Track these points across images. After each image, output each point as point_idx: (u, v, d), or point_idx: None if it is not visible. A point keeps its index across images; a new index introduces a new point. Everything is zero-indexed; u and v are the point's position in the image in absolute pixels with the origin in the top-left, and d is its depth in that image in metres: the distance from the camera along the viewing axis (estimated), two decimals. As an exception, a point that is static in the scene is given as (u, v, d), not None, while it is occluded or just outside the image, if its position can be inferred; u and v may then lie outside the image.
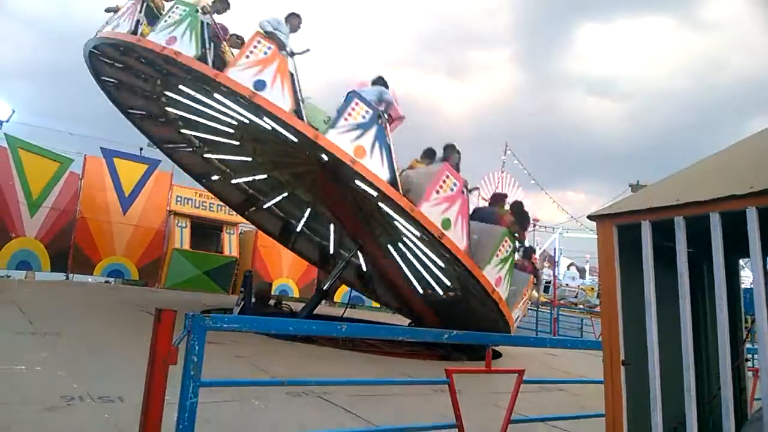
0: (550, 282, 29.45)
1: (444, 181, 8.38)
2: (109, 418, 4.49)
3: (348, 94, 8.42)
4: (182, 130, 11.96)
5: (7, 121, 14.72)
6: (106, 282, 16.73)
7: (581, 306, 31.53)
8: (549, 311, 19.21)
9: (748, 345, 3.88)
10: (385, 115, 8.50)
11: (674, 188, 2.57)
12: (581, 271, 46.12)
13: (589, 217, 2.76)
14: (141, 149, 18.71)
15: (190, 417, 2.30)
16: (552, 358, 10.67)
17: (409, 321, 11.56)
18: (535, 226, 55.48)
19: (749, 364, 4.42)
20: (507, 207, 10.16)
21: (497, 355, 10.26)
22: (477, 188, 13.95)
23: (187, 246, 16.39)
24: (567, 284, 39.89)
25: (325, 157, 8.57)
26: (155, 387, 2.25)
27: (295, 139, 8.66)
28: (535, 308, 19.75)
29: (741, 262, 4.11)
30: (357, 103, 8.24)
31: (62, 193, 14.91)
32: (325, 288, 11.30)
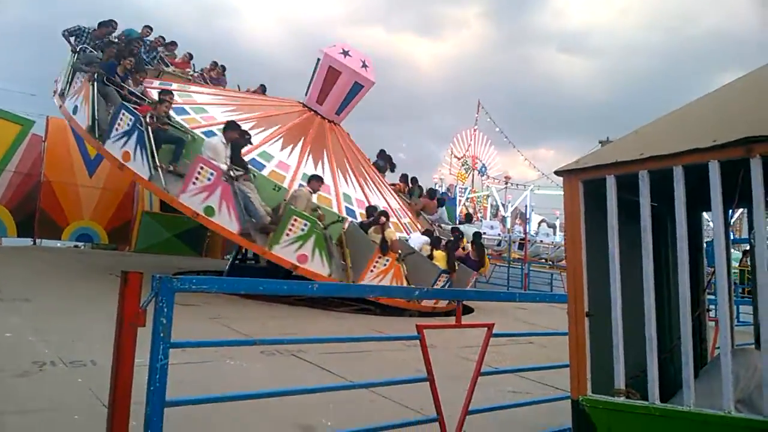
0: (523, 239, 29.82)
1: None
2: (82, 382, 4.48)
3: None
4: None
5: (-37, 82, 14.13)
6: (76, 246, 16.45)
7: (551, 261, 32.05)
8: (520, 267, 19.53)
9: (710, 296, 3.99)
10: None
11: (639, 142, 2.59)
12: (553, 228, 46.82)
13: (556, 173, 2.77)
14: (106, 110, 18.15)
15: (161, 378, 2.29)
16: (522, 312, 10.90)
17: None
18: (506, 183, 56.01)
19: (711, 314, 4.55)
20: None
21: (469, 310, 10.45)
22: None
23: (157, 209, 16.13)
24: (541, 240, 40.47)
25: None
26: (124, 350, 2.24)
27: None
28: (507, 264, 20.08)
29: (705, 215, 4.20)
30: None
31: (25, 156, 14.49)
32: None
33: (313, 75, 13.59)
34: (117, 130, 9.39)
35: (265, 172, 10.77)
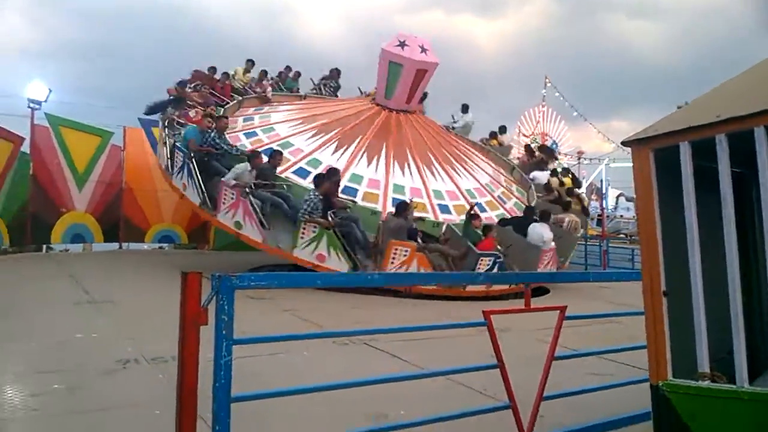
0: (600, 215, 28.86)
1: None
2: (162, 378, 4.64)
3: None
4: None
5: (46, 100, 14.99)
6: (160, 248, 17.19)
7: (630, 237, 30.81)
8: (598, 244, 18.85)
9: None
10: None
11: (715, 103, 2.37)
12: (632, 201, 45.10)
13: (623, 143, 2.58)
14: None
15: (226, 375, 2.32)
16: (605, 291, 10.49)
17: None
18: (580, 158, 54.19)
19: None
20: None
21: (545, 291, 10.16)
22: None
23: (231, 208, 16.58)
24: (621, 215, 38.91)
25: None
26: (188, 349, 2.27)
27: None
28: (584, 242, 19.38)
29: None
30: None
31: (106, 166, 15.27)
32: None
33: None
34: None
35: (359, 197, 11.06)
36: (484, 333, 3.31)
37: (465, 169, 13.29)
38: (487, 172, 13.82)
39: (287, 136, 12.60)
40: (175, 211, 16.16)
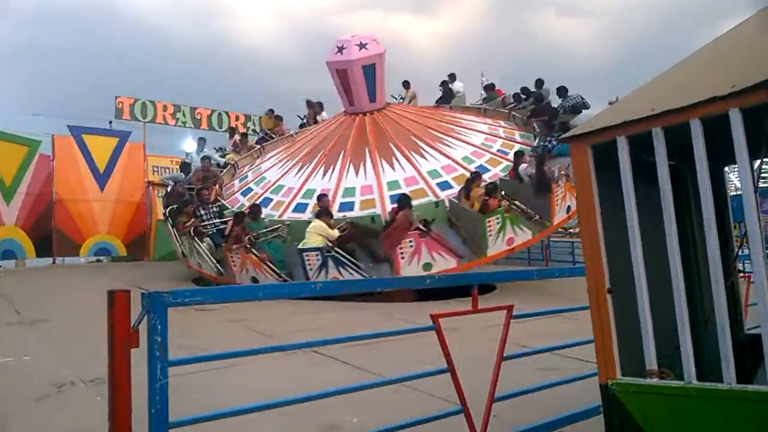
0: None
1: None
2: (101, 401, 4.40)
3: None
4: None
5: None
6: (98, 260, 16.53)
7: (569, 230, 31.56)
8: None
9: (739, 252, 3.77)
10: None
11: (650, 97, 2.38)
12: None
13: (562, 140, 2.58)
14: (110, 122, 18.14)
15: (162, 399, 2.16)
16: (548, 284, 10.64)
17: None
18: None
19: (740, 266, 4.32)
20: None
21: (491, 288, 10.24)
22: None
23: (171, 216, 16.12)
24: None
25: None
26: (118, 375, 2.11)
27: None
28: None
29: (726, 168, 3.97)
30: None
31: (35, 176, 14.56)
32: None
33: (342, 83, 13.67)
34: (311, 269, 9.82)
35: (356, 209, 11.08)
36: (433, 332, 3.26)
37: (456, 138, 12.99)
38: (482, 131, 13.46)
39: (277, 179, 12.66)
40: (112, 222, 15.60)
